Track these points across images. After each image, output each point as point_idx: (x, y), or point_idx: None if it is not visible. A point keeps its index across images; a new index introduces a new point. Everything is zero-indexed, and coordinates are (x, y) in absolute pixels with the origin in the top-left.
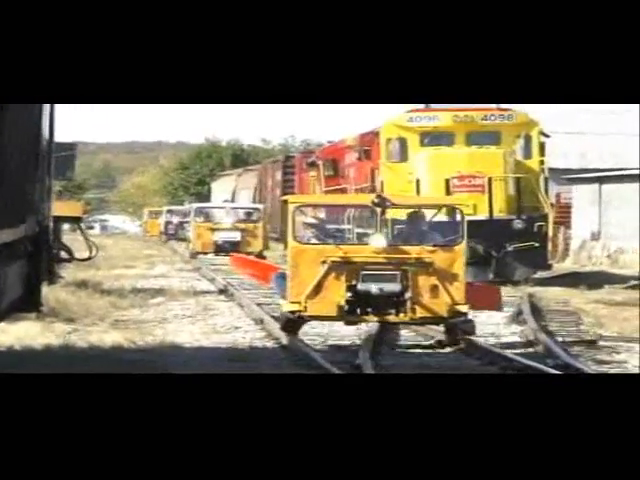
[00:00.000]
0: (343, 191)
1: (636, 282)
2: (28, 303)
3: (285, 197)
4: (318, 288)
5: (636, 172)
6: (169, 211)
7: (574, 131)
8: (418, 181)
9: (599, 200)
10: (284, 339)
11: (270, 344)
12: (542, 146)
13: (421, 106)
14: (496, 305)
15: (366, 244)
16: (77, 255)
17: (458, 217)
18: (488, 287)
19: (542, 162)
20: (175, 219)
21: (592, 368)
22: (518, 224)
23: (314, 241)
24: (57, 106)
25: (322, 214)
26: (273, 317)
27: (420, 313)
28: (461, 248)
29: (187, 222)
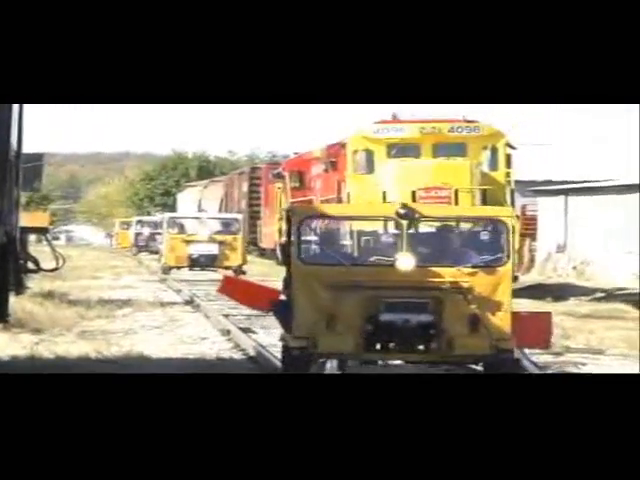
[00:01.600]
0: (310, 203)
1: (602, 294)
2: None
3: (289, 207)
4: (330, 319)
5: (602, 184)
6: (139, 222)
7: (540, 143)
8: (385, 193)
9: (565, 212)
10: (251, 350)
11: (237, 355)
12: (508, 158)
13: (388, 117)
14: (547, 340)
15: (389, 265)
16: (44, 266)
17: (500, 231)
18: (538, 316)
19: (508, 174)
20: (146, 230)
21: None
22: (484, 236)
23: (324, 261)
24: (24, 117)
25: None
26: (240, 328)
27: (455, 350)
28: (506, 270)
29: (159, 233)
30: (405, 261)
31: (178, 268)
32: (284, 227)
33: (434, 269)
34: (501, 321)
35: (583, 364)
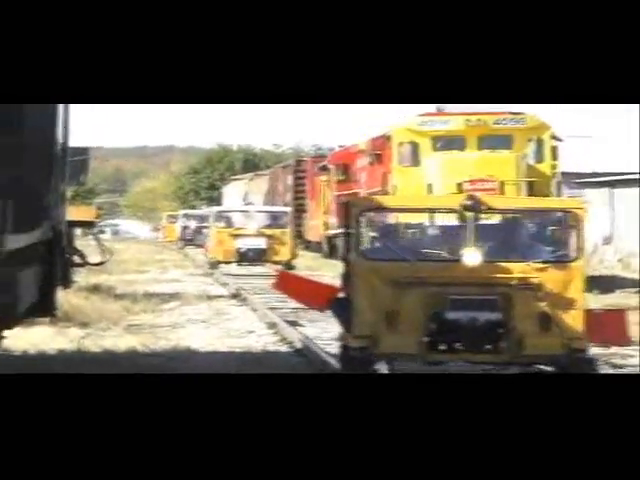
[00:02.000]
0: (355, 195)
1: None
2: (43, 308)
3: (347, 199)
4: (393, 318)
5: None
6: (186, 215)
7: (585, 135)
8: (430, 185)
9: (611, 204)
10: (298, 343)
11: (284, 348)
12: (554, 150)
13: (433, 110)
14: (624, 337)
15: (455, 260)
16: (90, 260)
17: (571, 224)
18: (612, 313)
19: (554, 166)
20: (192, 224)
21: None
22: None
23: (386, 256)
24: (70, 111)
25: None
26: (286, 321)
27: (526, 350)
28: (579, 266)
29: (205, 227)
30: (472, 256)
31: (226, 263)
32: (339, 220)
33: (502, 264)
34: (573, 319)
35: (631, 356)
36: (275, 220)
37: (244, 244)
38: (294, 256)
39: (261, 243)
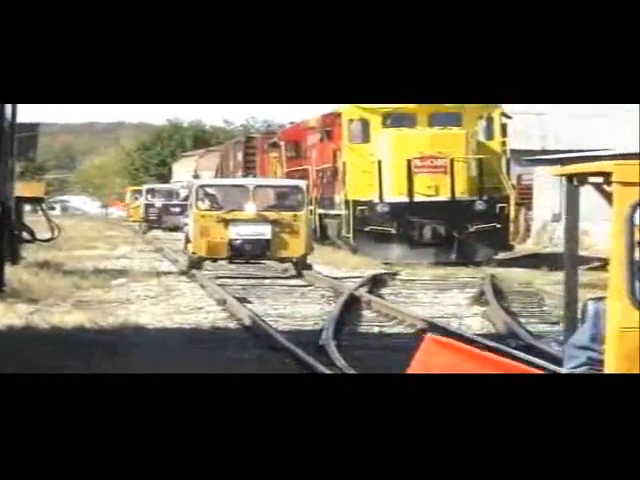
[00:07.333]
0: (305, 172)
1: (598, 264)
2: None
3: (600, 164)
4: None
5: (598, 154)
6: (150, 191)
7: (535, 112)
8: (380, 162)
9: (561, 181)
10: (247, 320)
11: (233, 325)
12: (504, 127)
13: None
14: None
15: None
16: (39, 236)
17: None
18: None
19: (504, 143)
20: (158, 201)
21: (555, 349)
22: (480, 205)
23: None
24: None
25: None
26: (236, 298)
27: None
28: None
29: (174, 205)
30: None
31: (213, 260)
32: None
33: None
34: None
35: None
36: (283, 199)
37: (239, 233)
38: (310, 250)
39: (264, 232)
